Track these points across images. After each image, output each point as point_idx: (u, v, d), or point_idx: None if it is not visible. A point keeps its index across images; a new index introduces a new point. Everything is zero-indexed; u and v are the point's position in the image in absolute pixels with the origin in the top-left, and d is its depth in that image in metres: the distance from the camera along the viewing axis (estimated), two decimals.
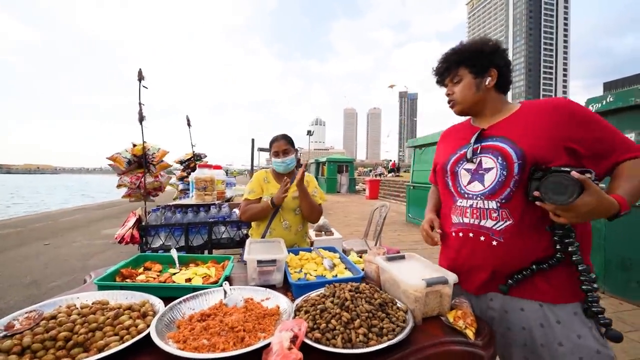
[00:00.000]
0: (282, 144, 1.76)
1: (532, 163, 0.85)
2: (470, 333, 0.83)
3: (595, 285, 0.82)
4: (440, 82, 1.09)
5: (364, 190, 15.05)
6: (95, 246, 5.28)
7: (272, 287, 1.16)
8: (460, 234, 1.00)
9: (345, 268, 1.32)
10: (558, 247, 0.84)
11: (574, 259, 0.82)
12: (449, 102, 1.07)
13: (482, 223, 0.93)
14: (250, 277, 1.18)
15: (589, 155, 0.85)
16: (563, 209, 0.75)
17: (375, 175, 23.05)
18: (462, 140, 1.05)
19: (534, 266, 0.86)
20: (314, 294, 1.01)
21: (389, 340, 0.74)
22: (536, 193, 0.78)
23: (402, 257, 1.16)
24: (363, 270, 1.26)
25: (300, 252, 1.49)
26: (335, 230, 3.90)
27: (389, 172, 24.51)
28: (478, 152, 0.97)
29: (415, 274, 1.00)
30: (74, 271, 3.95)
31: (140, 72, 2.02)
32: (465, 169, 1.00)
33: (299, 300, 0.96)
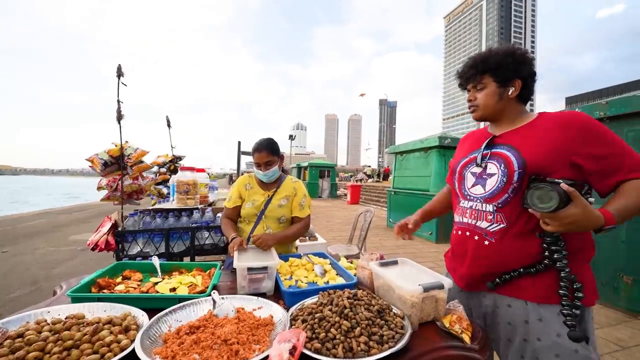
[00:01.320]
0: (264, 155, 1.59)
1: (533, 173, 0.88)
2: (466, 337, 0.84)
3: (579, 294, 0.84)
4: (463, 85, 1.10)
5: (345, 195, 15.15)
6: (62, 253, 4.90)
7: (263, 295, 1.12)
8: (459, 232, 1.06)
9: (337, 274, 1.30)
10: (546, 253, 0.88)
11: (557, 265, 0.86)
12: (470, 107, 1.09)
13: (478, 224, 0.99)
14: (239, 285, 1.13)
15: (595, 171, 0.86)
16: (549, 217, 0.79)
17: (356, 181, 23.30)
18: (475, 145, 1.09)
19: (521, 269, 0.92)
20: (308, 301, 0.98)
21: (390, 348, 0.73)
22: (531, 209, 0.82)
23: (395, 263, 1.16)
24: (355, 275, 1.24)
25: (290, 258, 1.45)
26: (319, 235, 3.87)
27: (382, 177, 24.84)
28: (487, 158, 1.00)
29: (410, 279, 0.99)
30: (37, 281, 3.64)
31: (119, 68, 1.90)
32: (471, 172, 1.05)
33: (293, 309, 0.92)
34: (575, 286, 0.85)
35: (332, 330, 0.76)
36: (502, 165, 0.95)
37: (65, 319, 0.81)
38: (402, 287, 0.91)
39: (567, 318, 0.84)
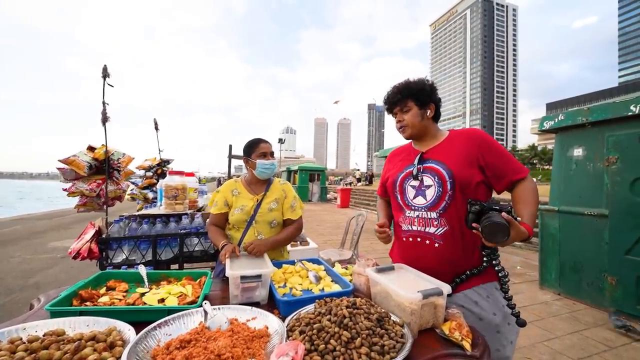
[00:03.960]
0: (270, 146, 1.64)
1: (459, 180, 1.09)
2: (467, 344, 0.82)
3: (506, 280, 1.07)
4: (390, 110, 1.29)
5: (335, 199, 15.17)
6: (39, 261, 4.68)
7: (256, 304, 1.08)
8: (410, 239, 1.20)
9: (332, 281, 1.27)
10: (486, 258, 1.09)
11: (496, 269, 1.07)
12: (399, 128, 1.27)
13: (427, 230, 1.15)
14: (232, 295, 1.09)
15: (492, 174, 1.11)
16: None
17: (346, 184, 23.39)
18: (407, 161, 1.26)
19: (468, 272, 1.11)
20: (304, 311, 0.94)
21: (391, 358, 0.71)
22: (476, 231, 0.99)
23: (392, 269, 1.14)
24: (351, 282, 1.22)
25: (284, 265, 1.41)
26: (310, 239, 3.83)
27: (369, 181, 24.97)
28: (421, 171, 1.18)
29: (408, 285, 0.98)
30: (12, 291, 3.45)
31: (105, 69, 1.83)
32: (411, 186, 1.21)
33: (289, 319, 0.89)
34: (507, 279, 1.08)
35: (332, 341, 0.73)
36: (436, 177, 1.13)
37: (44, 336, 0.75)
38: (400, 294, 0.89)
39: (513, 311, 1.04)
